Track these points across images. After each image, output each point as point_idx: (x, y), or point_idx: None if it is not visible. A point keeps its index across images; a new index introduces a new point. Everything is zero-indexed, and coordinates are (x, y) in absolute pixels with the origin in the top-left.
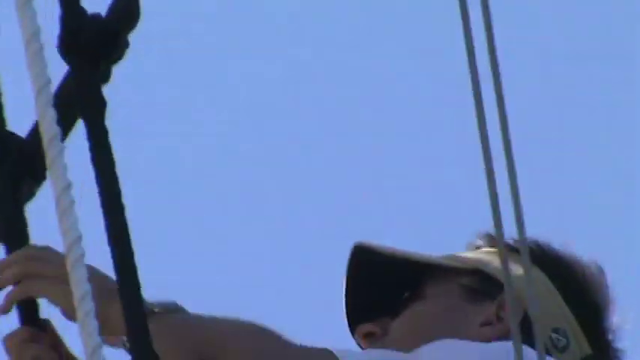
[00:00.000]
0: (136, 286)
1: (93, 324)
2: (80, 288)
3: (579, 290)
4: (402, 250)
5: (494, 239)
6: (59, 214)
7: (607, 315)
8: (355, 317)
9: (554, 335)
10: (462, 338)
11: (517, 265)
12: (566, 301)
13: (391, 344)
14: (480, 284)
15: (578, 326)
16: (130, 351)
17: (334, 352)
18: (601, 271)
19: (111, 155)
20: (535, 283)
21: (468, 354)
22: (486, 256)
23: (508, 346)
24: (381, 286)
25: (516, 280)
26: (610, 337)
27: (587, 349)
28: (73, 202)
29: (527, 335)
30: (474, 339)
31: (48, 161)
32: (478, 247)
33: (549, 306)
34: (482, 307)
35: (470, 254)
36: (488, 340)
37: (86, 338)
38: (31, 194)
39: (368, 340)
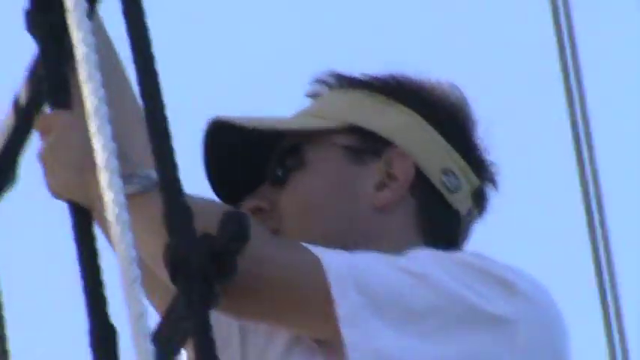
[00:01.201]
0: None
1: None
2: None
3: (448, 116)
4: (262, 120)
5: (347, 77)
6: None
7: (476, 131)
8: (230, 195)
9: (444, 178)
10: (357, 206)
11: (390, 112)
12: (440, 132)
13: (284, 221)
14: (361, 142)
15: (460, 157)
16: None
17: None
18: (459, 89)
19: None
20: (410, 126)
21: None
22: (353, 105)
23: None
24: (251, 159)
25: (397, 132)
26: (483, 152)
27: (475, 181)
28: None
29: (424, 185)
30: (373, 206)
31: None
32: (330, 87)
33: (430, 146)
34: (370, 167)
35: (330, 103)
36: (388, 206)
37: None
38: None
39: (257, 216)
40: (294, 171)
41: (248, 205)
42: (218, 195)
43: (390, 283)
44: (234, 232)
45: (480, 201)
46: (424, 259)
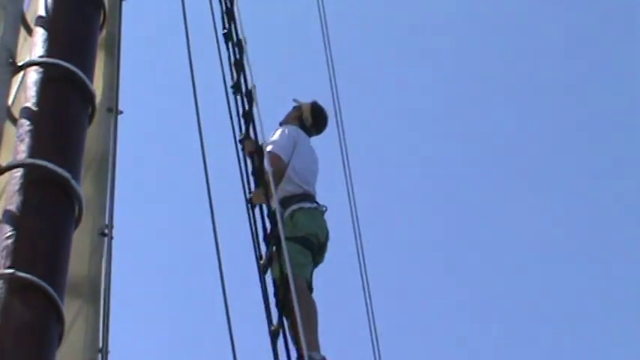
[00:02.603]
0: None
1: None
2: None
3: (318, 111)
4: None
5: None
6: None
7: (324, 117)
8: None
9: (310, 118)
10: (292, 117)
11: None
12: (313, 115)
13: None
14: (295, 110)
15: (313, 120)
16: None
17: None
18: (317, 104)
19: None
20: (307, 111)
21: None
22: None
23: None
24: None
25: (305, 111)
26: (321, 122)
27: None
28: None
29: (302, 120)
30: (293, 119)
31: None
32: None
33: (308, 114)
34: (295, 114)
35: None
36: (297, 119)
37: None
38: None
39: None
40: None
41: None
42: None
43: (283, 147)
44: None
45: (315, 127)
46: (287, 133)
